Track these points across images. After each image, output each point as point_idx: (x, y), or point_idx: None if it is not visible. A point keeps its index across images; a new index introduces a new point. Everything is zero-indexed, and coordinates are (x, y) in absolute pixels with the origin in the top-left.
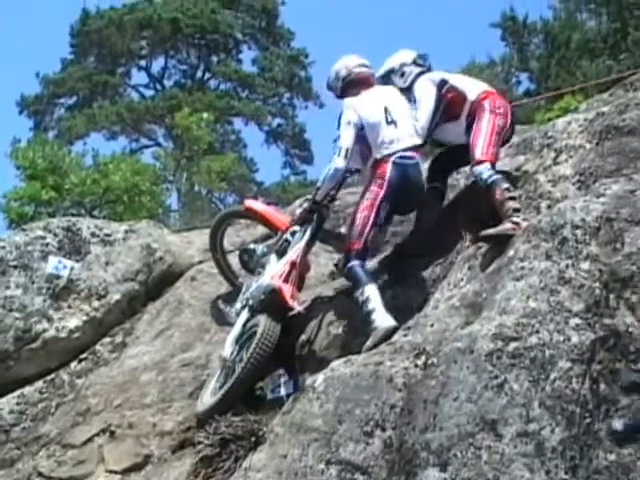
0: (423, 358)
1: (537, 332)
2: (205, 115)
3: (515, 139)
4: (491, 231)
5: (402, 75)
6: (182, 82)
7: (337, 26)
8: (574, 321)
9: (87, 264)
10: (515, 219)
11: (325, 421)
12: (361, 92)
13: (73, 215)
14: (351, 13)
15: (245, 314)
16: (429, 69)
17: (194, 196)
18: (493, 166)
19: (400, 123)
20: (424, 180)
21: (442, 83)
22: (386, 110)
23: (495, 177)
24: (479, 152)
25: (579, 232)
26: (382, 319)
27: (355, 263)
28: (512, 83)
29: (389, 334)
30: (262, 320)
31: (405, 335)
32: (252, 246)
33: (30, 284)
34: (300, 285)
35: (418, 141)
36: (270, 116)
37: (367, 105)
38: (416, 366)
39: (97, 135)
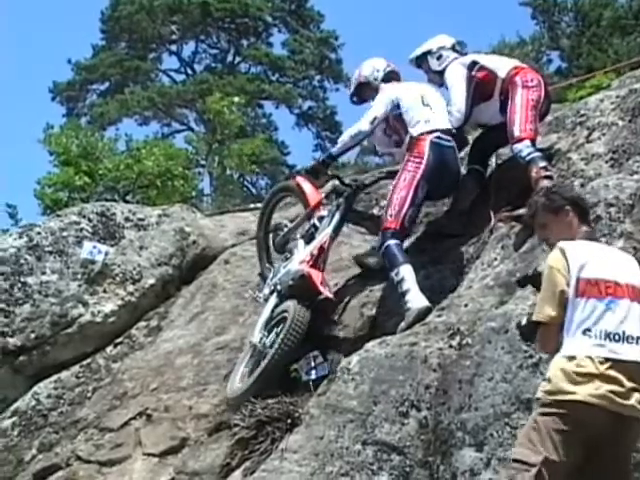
0: (457, 338)
1: None
2: (236, 99)
3: (548, 117)
4: (522, 211)
5: (439, 58)
6: (213, 66)
7: (366, 8)
8: None
9: (121, 249)
10: None
11: (360, 402)
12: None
13: (107, 200)
14: None
15: (274, 299)
16: (465, 56)
17: (226, 180)
18: (533, 143)
19: (435, 108)
20: (460, 165)
21: (472, 64)
22: (422, 96)
23: (534, 154)
24: (517, 130)
25: (613, 210)
26: (416, 300)
27: (392, 242)
28: (543, 62)
29: (422, 315)
30: (292, 305)
31: (439, 315)
32: (283, 223)
33: (65, 269)
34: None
35: (452, 127)
36: (301, 99)
37: (404, 89)
38: (450, 346)
39: (129, 120)
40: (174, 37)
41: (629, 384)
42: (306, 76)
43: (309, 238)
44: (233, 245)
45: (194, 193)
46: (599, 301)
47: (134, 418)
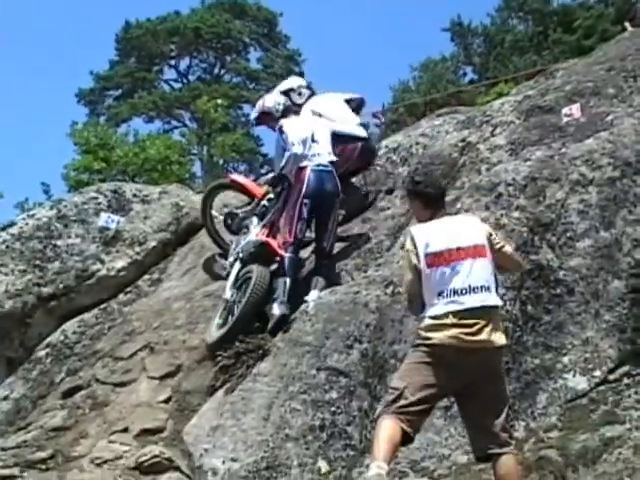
0: (391, 287)
1: None
2: (220, 101)
3: (461, 117)
4: None
5: (299, 94)
6: (203, 77)
7: (324, 30)
8: None
9: (130, 218)
10: None
11: (315, 337)
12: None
13: (119, 181)
14: (334, 20)
15: (237, 265)
16: (314, 93)
17: (213, 165)
18: None
19: (321, 142)
20: (337, 186)
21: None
22: (313, 134)
23: None
24: None
25: (511, 188)
26: (279, 308)
27: (287, 255)
28: (459, 74)
29: (281, 322)
30: (254, 268)
31: (377, 270)
32: (235, 210)
33: (86, 234)
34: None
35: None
36: None
37: (296, 128)
38: (386, 294)
39: (138, 119)
40: (173, 54)
41: (479, 324)
42: (276, 85)
43: (261, 215)
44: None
45: (187, 175)
46: (446, 267)
47: (140, 350)
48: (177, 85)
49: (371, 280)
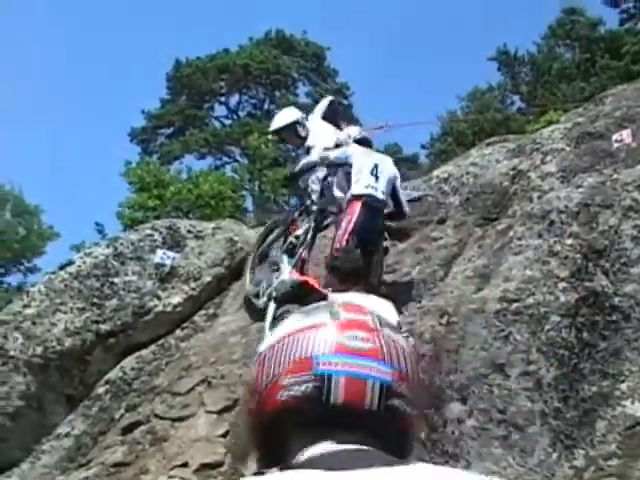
0: (446, 317)
1: (533, 294)
2: (270, 137)
3: (511, 145)
4: None
5: (303, 127)
6: (253, 112)
7: (371, 63)
8: (562, 284)
9: (185, 254)
10: None
11: None
12: None
13: (173, 217)
14: (380, 52)
15: (272, 305)
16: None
17: (264, 199)
18: None
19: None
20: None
21: None
22: None
23: None
24: None
25: (563, 216)
26: None
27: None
28: (507, 103)
29: None
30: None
31: (431, 300)
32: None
33: (143, 271)
34: None
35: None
36: None
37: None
38: (440, 324)
39: (190, 156)
40: (223, 91)
41: None
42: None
43: (290, 253)
44: None
45: (239, 211)
46: None
47: (198, 384)
48: (227, 121)
49: (425, 310)
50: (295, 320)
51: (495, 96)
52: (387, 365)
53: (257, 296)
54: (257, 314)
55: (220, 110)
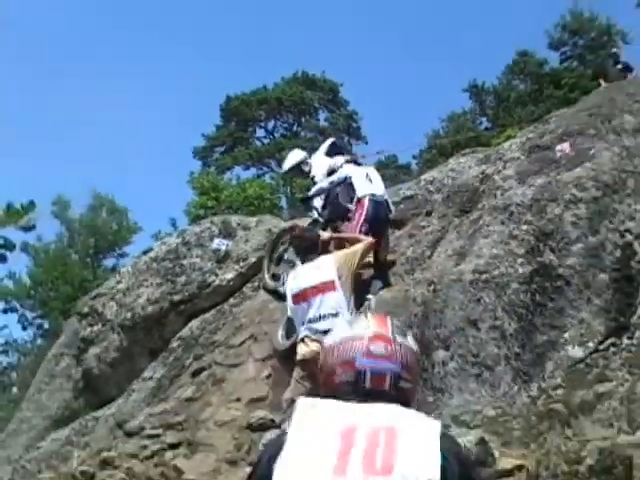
0: (432, 286)
1: (498, 267)
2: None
3: (480, 155)
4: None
5: (306, 164)
6: (285, 134)
7: (375, 93)
8: (520, 260)
9: (235, 241)
10: None
11: None
12: None
13: (226, 214)
14: (381, 84)
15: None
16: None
17: (294, 200)
18: None
19: None
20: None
21: None
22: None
23: None
24: None
25: (520, 208)
26: None
27: None
28: (477, 123)
29: None
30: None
31: (422, 273)
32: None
33: (204, 255)
34: None
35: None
36: None
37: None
38: (428, 291)
39: (238, 167)
40: (262, 118)
41: None
42: (340, 137)
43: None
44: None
45: (276, 208)
46: (304, 303)
47: (247, 339)
48: (266, 141)
49: (417, 281)
50: (344, 329)
51: (467, 118)
52: (398, 364)
53: (275, 287)
54: (277, 295)
55: (260, 132)
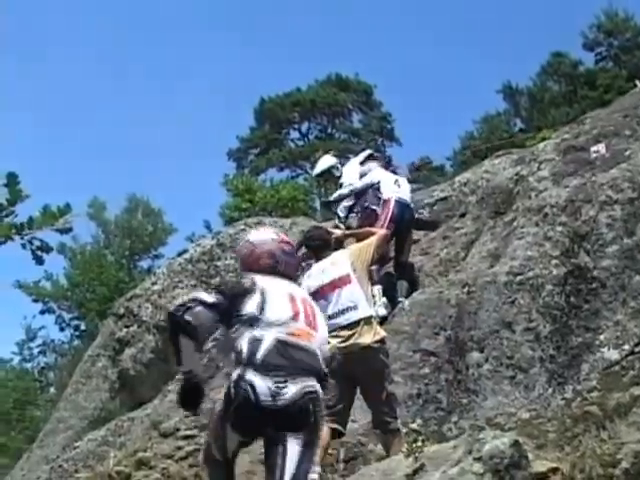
0: (467, 288)
1: (532, 269)
2: (331, 152)
3: (514, 157)
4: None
5: (337, 169)
6: (319, 136)
7: (408, 95)
8: (554, 261)
9: None
10: None
11: (411, 327)
12: None
13: (261, 216)
14: (414, 86)
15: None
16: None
17: (328, 201)
18: None
19: None
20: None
21: None
22: None
23: None
24: None
25: (554, 209)
26: (384, 309)
27: (375, 267)
28: (511, 125)
29: (384, 318)
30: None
31: (456, 274)
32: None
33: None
34: None
35: None
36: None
37: None
38: (462, 293)
39: (272, 169)
40: (296, 120)
41: (347, 334)
42: (373, 138)
43: None
44: None
45: (310, 210)
46: (323, 300)
47: None
48: (300, 143)
49: (451, 282)
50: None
51: (502, 119)
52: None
53: None
54: None
55: (294, 134)
